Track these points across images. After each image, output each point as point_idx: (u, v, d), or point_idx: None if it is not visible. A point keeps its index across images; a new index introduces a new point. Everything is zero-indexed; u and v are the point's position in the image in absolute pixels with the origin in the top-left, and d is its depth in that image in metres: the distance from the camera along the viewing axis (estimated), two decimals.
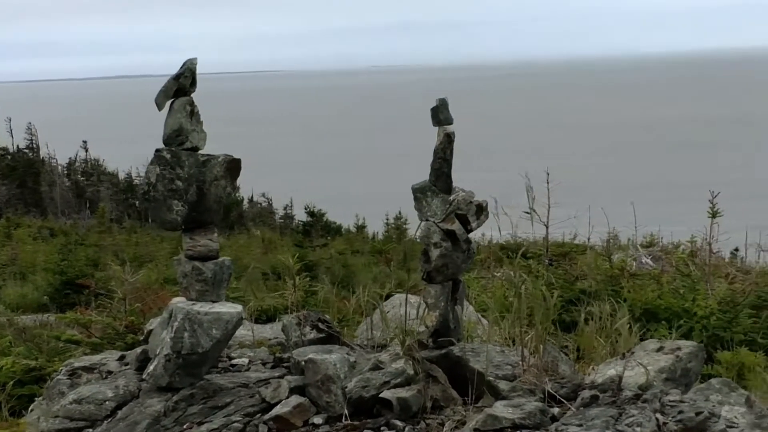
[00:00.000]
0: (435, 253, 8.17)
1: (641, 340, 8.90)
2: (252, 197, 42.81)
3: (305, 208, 31.52)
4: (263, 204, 42.61)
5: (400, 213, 30.33)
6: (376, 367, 7.76)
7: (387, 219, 31.26)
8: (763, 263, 13.69)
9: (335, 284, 12.79)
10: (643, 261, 14.66)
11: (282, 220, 38.98)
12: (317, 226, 29.63)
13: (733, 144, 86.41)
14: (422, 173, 8.37)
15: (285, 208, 40.43)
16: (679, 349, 8.14)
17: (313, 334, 8.66)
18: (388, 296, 10.19)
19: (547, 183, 12.07)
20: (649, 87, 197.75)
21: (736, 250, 15.86)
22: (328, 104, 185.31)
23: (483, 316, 10.15)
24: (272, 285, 14.92)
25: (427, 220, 8.31)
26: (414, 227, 27.10)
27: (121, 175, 48.82)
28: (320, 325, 8.74)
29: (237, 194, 37.78)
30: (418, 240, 8.25)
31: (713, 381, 7.60)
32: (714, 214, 12.41)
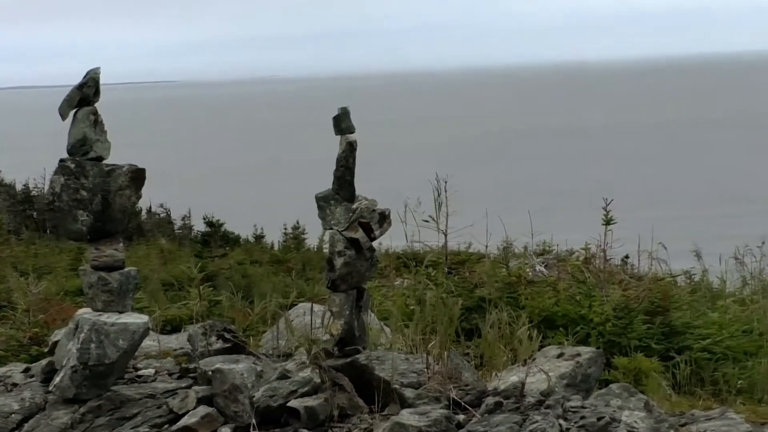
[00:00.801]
0: (339, 261, 8.16)
1: (540, 346, 8.97)
2: (150, 208, 42.36)
3: (204, 219, 31.27)
4: (162, 214, 42.16)
5: (298, 222, 30.27)
6: (283, 376, 7.71)
7: (285, 228, 31.17)
8: (654, 270, 13.86)
9: (236, 294, 12.68)
10: (538, 269, 14.77)
11: (181, 231, 38.63)
12: (216, 236, 29.40)
13: (624, 153, 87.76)
14: (325, 182, 8.36)
15: (183, 219, 40.07)
16: (579, 355, 8.22)
17: (219, 344, 8.58)
18: (292, 305, 10.14)
19: (445, 191, 12.11)
20: (552, 95, 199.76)
21: (627, 257, 16.05)
22: (224, 114, 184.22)
23: (386, 324, 10.14)
24: (174, 295, 14.75)
25: (330, 228, 8.30)
26: (313, 236, 27.05)
27: (18, 186, 47.93)
28: (226, 334, 8.66)
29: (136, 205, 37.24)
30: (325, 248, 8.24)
31: (613, 386, 7.67)
32: (608, 222, 12.54)
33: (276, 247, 29.98)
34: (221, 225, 30.89)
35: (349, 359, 7.99)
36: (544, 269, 15.11)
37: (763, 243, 14.18)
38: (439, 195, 11.01)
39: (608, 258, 13.59)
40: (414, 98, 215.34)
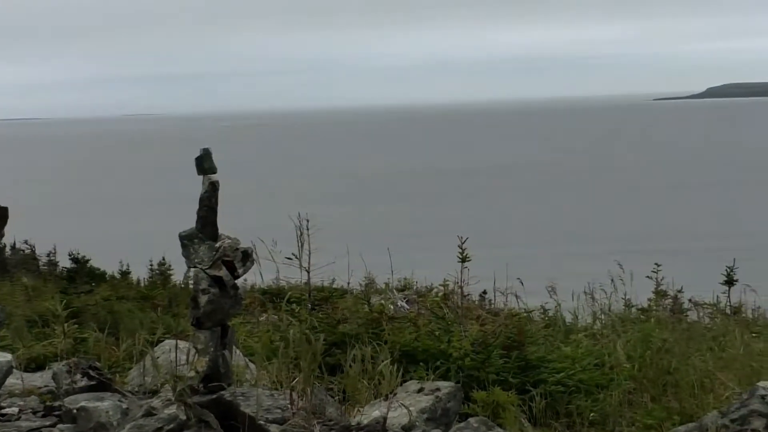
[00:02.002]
0: (203, 299, 8.06)
1: (402, 381, 8.96)
2: (15, 244, 41.36)
3: (69, 255, 30.63)
4: (26, 251, 41.19)
5: (164, 259, 29.84)
6: (149, 413, 7.56)
7: (151, 265, 30.70)
8: (510, 306, 13.99)
9: (102, 330, 12.42)
10: (399, 304, 14.80)
11: (46, 267, 37.77)
12: (81, 272, 28.81)
13: (469, 192, 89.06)
14: (189, 220, 8.26)
15: (48, 255, 39.20)
16: (438, 389, 8.24)
17: (84, 382, 8.38)
18: (158, 342, 9.95)
19: (308, 229, 12.06)
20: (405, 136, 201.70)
21: (485, 293, 16.19)
22: (86, 151, 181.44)
23: (251, 360, 10.02)
24: (38, 332, 14.38)
25: (194, 266, 8.19)
26: (179, 273, 26.71)
27: None
28: (91, 372, 8.48)
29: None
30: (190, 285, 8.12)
31: (472, 420, 7.70)
32: (464, 259, 12.64)
33: (142, 283, 29.50)
34: (87, 261, 30.29)
35: (214, 396, 7.87)
36: (405, 305, 15.15)
37: (612, 280, 14.44)
38: (301, 233, 10.97)
39: (466, 294, 13.68)
40: (276, 138, 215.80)
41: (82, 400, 7.69)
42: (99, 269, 30.71)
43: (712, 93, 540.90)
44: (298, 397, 7.92)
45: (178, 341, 9.15)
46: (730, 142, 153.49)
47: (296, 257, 11.39)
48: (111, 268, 31.43)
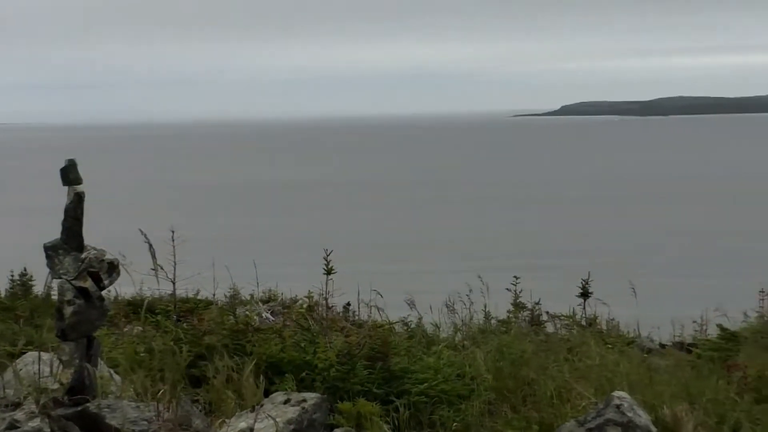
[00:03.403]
0: (69, 310, 7.86)
1: (269, 392, 8.85)
2: None
3: None
4: None
5: (25, 269, 29.13)
6: (12, 426, 7.31)
7: (12, 275, 29.94)
8: (374, 318, 13.97)
9: None
10: (265, 315, 14.66)
11: None
12: None
13: (326, 206, 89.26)
14: (53, 231, 8.06)
15: None
16: (304, 400, 8.16)
17: None
18: (20, 353, 9.65)
19: (173, 240, 11.87)
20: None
21: (348, 305, 16.15)
22: None
23: (116, 372, 9.78)
24: None
25: (59, 277, 7.97)
26: (41, 283, 26.08)
27: None
28: None
29: None
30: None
31: (336, 431, 7.64)
32: (329, 271, 12.60)
33: (2, 294, 28.72)
34: None
35: (79, 408, 7.66)
36: (270, 316, 15.02)
37: (471, 291, 14.54)
38: (151, 246, 10.79)
39: (330, 306, 13.63)
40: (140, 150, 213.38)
41: None
42: None
43: (566, 111, 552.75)
44: (164, 408, 7.74)
45: (41, 353, 8.89)
46: (582, 159, 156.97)
47: (162, 268, 11.21)
48: None
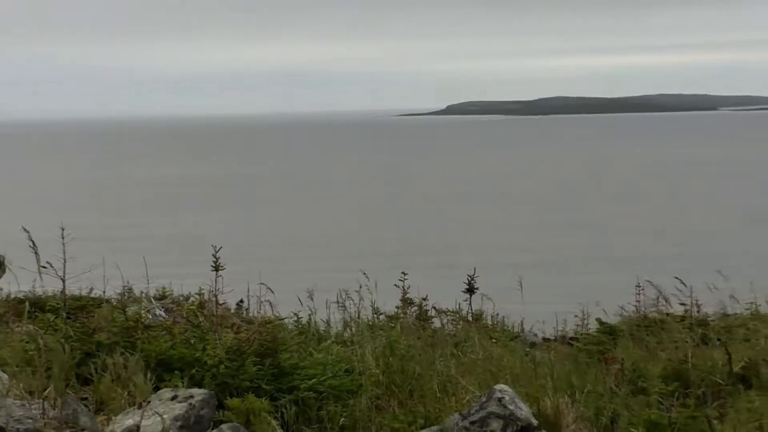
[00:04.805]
0: None
1: (157, 389, 8.69)
2: None
3: None
4: None
5: None
6: None
7: None
8: (265, 314, 13.86)
9: None
10: (157, 313, 14.43)
11: None
12: None
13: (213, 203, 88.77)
14: None
15: None
16: (192, 397, 8.03)
17: None
18: None
19: (62, 238, 11.63)
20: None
21: (241, 301, 16.01)
22: None
23: (3, 370, 9.53)
24: None
25: None
26: None
27: None
28: None
29: None
30: None
31: (224, 426, 7.55)
32: (217, 268, 12.49)
33: None
34: None
35: None
36: (164, 313, 14.81)
37: (360, 288, 14.49)
38: (33, 244, 10.56)
39: (221, 303, 13.48)
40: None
41: None
42: None
43: (452, 110, 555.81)
44: (51, 406, 7.54)
45: None
46: (468, 157, 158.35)
47: (51, 266, 10.97)
48: None
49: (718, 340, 12.51)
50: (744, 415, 9.10)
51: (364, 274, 14.44)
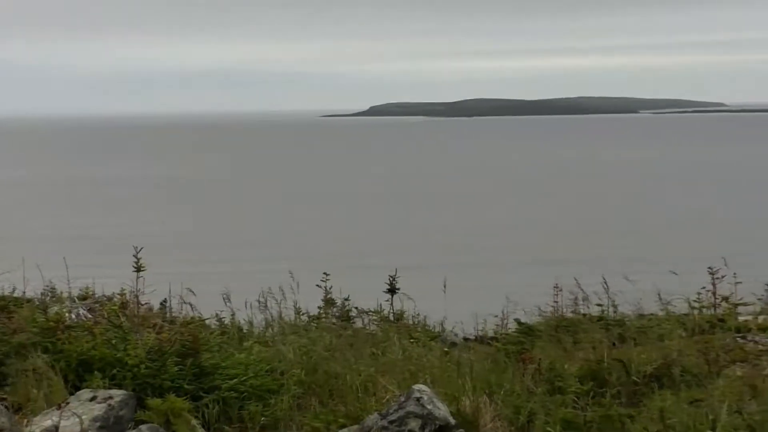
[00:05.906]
0: None
1: (77, 390, 8.59)
2: None
3: None
4: None
5: None
6: None
7: None
8: (186, 314, 13.75)
9: None
10: (81, 313, 14.25)
11: None
12: None
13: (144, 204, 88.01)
14: None
15: None
16: (111, 397, 7.96)
17: None
18: None
19: None
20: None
21: (165, 301, 15.87)
22: None
23: None
24: None
25: None
26: None
27: None
28: None
29: None
30: None
31: (143, 427, 7.47)
32: (138, 269, 12.41)
33: None
34: None
35: None
36: (87, 313, 14.63)
37: (282, 289, 14.45)
38: None
39: (144, 303, 13.37)
40: None
41: None
42: None
43: (374, 111, 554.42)
44: None
45: None
46: (379, 158, 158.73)
47: None
48: None
49: (633, 340, 12.68)
50: (656, 414, 9.23)
51: (290, 274, 14.42)
